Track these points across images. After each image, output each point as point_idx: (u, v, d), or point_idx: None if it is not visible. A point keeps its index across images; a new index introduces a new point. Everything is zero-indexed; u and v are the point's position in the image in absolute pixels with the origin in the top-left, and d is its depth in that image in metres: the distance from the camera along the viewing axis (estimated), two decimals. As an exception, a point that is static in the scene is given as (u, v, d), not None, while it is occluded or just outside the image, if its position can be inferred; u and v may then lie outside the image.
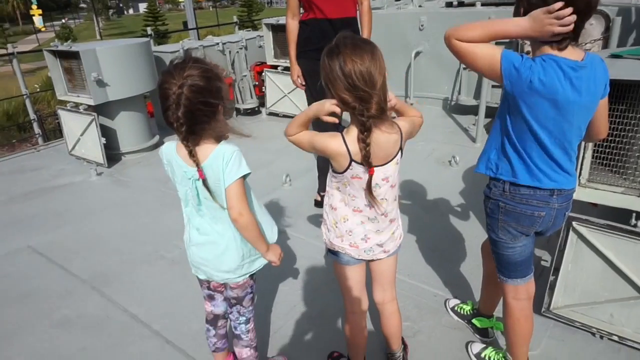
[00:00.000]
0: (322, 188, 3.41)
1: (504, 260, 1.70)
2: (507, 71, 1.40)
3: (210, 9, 64.66)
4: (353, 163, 1.50)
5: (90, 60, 4.41)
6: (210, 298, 1.82)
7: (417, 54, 5.52)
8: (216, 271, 1.66)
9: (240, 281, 1.69)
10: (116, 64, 4.56)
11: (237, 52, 6.00)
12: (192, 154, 1.47)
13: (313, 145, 1.55)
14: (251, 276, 1.73)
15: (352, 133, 1.46)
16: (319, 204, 3.41)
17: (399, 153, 1.53)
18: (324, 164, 3.32)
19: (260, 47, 6.15)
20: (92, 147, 4.73)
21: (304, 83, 3.27)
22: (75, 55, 4.47)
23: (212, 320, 1.86)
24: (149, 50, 4.95)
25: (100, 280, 2.75)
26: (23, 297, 2.66)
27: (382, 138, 1.47)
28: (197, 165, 1.48)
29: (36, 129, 5.77)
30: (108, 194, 4.12)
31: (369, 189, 1.51)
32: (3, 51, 4.34)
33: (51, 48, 4.69)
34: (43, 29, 51.04)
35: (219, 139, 1.52)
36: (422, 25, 5.47)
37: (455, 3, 5.67)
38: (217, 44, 5.82)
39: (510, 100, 1.46)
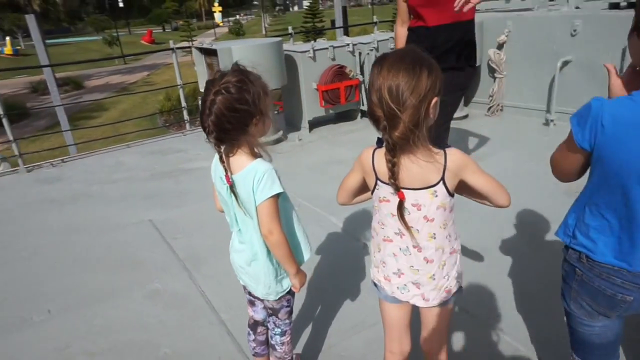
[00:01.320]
0: None
1: (577, 337, 1.39)
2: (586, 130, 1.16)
3: (369, 6, 65.76)
4: (379, 182, 1.40)
5: (226, 57, 4.84)
6: (251, 303, 1.85)
7: (565, 63, 4.85)
8: (252, 281, 1.68)
9: (272, 298, 1.68)
10: (248, 61, 4.89)
11: (368, 53, 5.98)
12: (221, 159, 1.50)
13: (349, 185, 1.50)
14: (288, 291, 1.71)
15: (383, 150, 1.33)
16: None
17: (441, 186, 1.35)
18: None
19: (392, 49, 6.05)
20: (222, 136, 5.20)
21: None
22: (215, 53, 4.95)
23: (252, 325, 1.89)
24: (279, 49, 5.23)
25: (193, 261, 3.02)
26: (130, 264, 3.05)
27: (415, 165, 1.32)
28: (226, 170, 1.50)
29: (185, 115, 6.56)
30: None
31: (399, 211, 1.36)
32: (184, 44, 5.11)
33: (198, 45, 5.26)
34: (221, 24, 57.72)
35: (254, 154, 1.51)
36: (574, 31, 4.77)
37: (623, 3, 4.81)
38: (348, 44, 5.88)
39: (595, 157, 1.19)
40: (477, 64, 5.62)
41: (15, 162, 5.28)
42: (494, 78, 5.67)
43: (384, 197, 1.40)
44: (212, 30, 48.38)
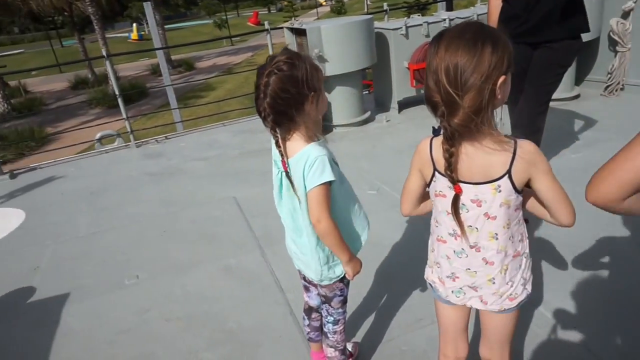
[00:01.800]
0: None
1: None
2: None
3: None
4: (437, 174, 1.26)
5: (315, 37, 4.81)
6: (306, 289, 1.83)
7: None
8: (304, 267, 1.65)
9: (325, 283, 1.64)
10: (337, 41, 4.84)
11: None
12: (277, 144, 1.47)
13: (411, 189, 1.38)
14: (342, 279, 1.65)
15: (441, 138, 1.20)
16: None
17: (506, 180, 1.17)
18: None
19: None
20: (308, 116, 5.24)
21: None
22: (305, 33, 4.95)
23: (307, 310, 1.88)
24: (370, 27, 5.07)
25: (267, 239, 3.09)
26: (212, 238, 3.22)
27: (478, 154, 1.16)
28: (282, 156, 1.47)
29: (276, 95, 6.70)
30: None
31: (454, 206, 1.22)
32: (286, 25, 5.29)
33: (288, 26, 5.30)
34: (324, 3, 57.96)
35: (310, 137, 1.46)
36: None
37: None
38: (444, 20, 5.50)
39: None
40: (595, 36, 4.94)
41: (128, 138, 5.85)
42: (615, 52, 4.95)
43: (440, 191, 1.27)
44: (314, 10, 48.89)
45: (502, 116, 1.29)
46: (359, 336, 2.17)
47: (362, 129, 5.30)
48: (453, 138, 1.14)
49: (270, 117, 1.39)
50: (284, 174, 1.52)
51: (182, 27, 47.31)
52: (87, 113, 16.38)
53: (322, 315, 1.83)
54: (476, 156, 1.17)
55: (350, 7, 44.44)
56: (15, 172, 5.24)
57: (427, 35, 5.45)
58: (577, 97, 5.15)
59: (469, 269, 1.31)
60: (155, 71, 22.06)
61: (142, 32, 37.87)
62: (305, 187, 1.45)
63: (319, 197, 1.43)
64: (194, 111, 13.57)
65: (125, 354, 2.26)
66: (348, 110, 5.32)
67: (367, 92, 6.84)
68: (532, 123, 2.74)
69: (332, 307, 1.73)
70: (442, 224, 1.32)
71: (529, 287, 1.36)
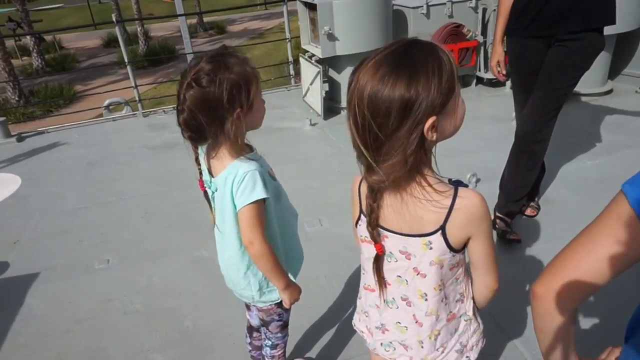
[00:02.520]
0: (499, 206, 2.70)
1: None
2: None
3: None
4: (362, 217, 1.08)
5: (326, 13, 4.53)
6: (247, 307, 1.71)
7: None
8: (237, 288, 1.52)
9: (260, 306, 1.51)
10: (349, 18, 4.54)
11: (494, 10, 5.13)
12: (196, 160, 1.35)
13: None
14: (279, 304, 1.51)
15: None
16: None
17: (438, 237, 0.98)
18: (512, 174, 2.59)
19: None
20: (316, 97, 5.01)
21: (504, 72, 2.54)
22: (316, 8, 4.66)
23: (249, 328, 1.77)
24: (386, 4, 4.73)
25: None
26: (190, 225, 3.10)
27: (407, 204, 0.97)
28: (200, 174, 1.35)
29: (290, 70, 6.47)
30: (308, 147, 4.33)
31: (375, 263, 1.06)
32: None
33: (302, -1, 5.01)
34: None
35: (237, 152, 1.29)
36: None
37: None
38: (471, 0, 5.09)
39: None
40: (636, 26, 4.46)
41: (137, 107, 5.78)
42: (657, 46, 4.47)
43: (365, 236, 1.08)
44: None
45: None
46: (314, 351, 2.05)
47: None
48: (376, 193, 0.97)
49: (187, 133, 1.25)
50: (208, 192, 1.37)
51: (219, -12, 46.64)
52: (116, 73, 16.48)
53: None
54: (405, 206, 0.98)
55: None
56: (23, 135, 5.27)
57: (451, 16, 5.07)
58: (609, 92, 4.71)
59: (399, 322, 1.14)
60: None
61: (179, -9, 37.53)
62: (234, 207, 1.30)
63: (250, 218, 1.29)
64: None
65: (79, 345, 2.22)
66: (359, 92, 5.06)
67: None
68: (537, 132, 2.45)
69: (270, 331, 1.61)
70: (368, 271, 1.14)
71: (471, 355, 1.17)
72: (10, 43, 17.00)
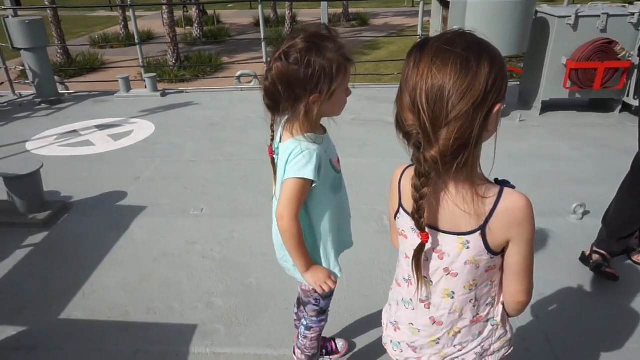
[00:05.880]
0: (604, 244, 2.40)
1: None
2: None
3: None
4: (401, 210, 1.07)
5: (458, 12, 4.38)
6: (299, 281, 1.78)
7: None
8: (279, 255, 1.58)
9: (300, 282, 1.56)
10: (482, 20, 4.33)
11: (660, 29, 4.48)
12: (271, 127, 1.38)
13: (392, 220, 1.15)
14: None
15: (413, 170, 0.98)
16: (585, 259, 2.45)
17: (477, 237, 0.96)
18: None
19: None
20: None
21: None
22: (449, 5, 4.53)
23: (298, 300, 1.80)
24: (528, 10, 4.41)
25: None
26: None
27: (451, 198, 0.96)
28: (272, 140, 1.39)
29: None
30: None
31: (416, 258, 1.01)
32: None
33: (438, -5, 4.90)
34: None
35: (307, 130, 1.31)
36: None
37: None
38: (632, 14, 4.49)
39: None
40: None
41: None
42: None
43: (403, 230, 1.08)
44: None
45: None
46: (356, 333, 2.08)
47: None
48: (427, 176, 0.91)
49: (265, 100, 1.32)
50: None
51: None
52: (260, 50, 17.77)
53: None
54: (447, 200, 0.96)
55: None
56: (166, 91, 6.01)
57: (604, 30, 4.54)
58: None
59: (412, 324, 1.13)
60: (331, 21, 22.63)
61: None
62: (283, 174, 1.35)
63: (290, 191, 1.31)
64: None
65: (159, 274, 2.53)
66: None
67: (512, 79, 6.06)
68: None
69: (306, 312, 1.66)
70: (400, 266, 1.14)
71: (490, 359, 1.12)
72: (179, 14, 19.27)
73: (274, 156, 1.42)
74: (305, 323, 1.68)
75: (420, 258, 1.01)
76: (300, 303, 1.79)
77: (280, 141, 1.39)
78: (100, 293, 2.39)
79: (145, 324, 2.19)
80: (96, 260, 2.63)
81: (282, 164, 1.34)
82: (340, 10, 22.95)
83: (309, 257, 1.43)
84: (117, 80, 5.85)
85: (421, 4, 5.97)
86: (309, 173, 1.29)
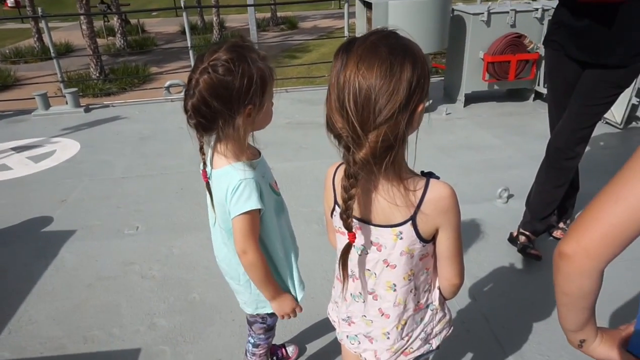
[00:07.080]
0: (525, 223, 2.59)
1: None
2: None
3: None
4: (337, 207, 1.09)
5: (381, 13, 4.52)
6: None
7: None
8: (232, 281, 1.54)
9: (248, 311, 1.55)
10: (404, 19, 4.50)
11: (562, 22, 4.87)
12: (201, 149, 1.29)
13: (327, 219, 1.17)
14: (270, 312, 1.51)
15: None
16: (513, 240, 2.63)
17: (408, 227, 1.00)
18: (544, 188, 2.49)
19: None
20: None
21: None
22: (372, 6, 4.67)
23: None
24: (444, 8, 4.64)
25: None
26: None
27: (381, 194, 0.99)
28: (204, 164, 1.32)
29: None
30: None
31: (343, 257, 1.03)
32: None
33: (361, -2, 5.03)
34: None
35: (237, 155, 1.26)
36: None
37: None
38: (536, 10, 4.86)
39: None
40: None
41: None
42: None
43: (339, 227, 1.09)
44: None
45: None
46: (306, 338, 2.09)
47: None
48: (356, 177, 0.93)
49: (192, 120, 1.21)
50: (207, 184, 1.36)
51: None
52: (189, 58, 17.33)
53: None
54: (379, 196, 0.99)
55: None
56: (90, 106, 5.71)
57: (513, 25, 4.88)
58: (680, 120, 4.34)
59: (364, 316, 1.16)
60: (260, 26, 22.54)
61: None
62: (229, 213, 1.28)
63: (242, 227, 1.27)
64: (282, 71, 13.74)
65: (96, 299, 2.40)
66: (408, 95, 5.01)
67: (436, 74, 6.32)
68: (569, 148, 2.33)
69: (253, 331, 1.64)
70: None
71: (433, 343, 1.18)
72: (98, 24, 18.34)
73: (209, 180, 1.35)
74: (252, 341, 1.66)
75: (347, 257, 1.04)
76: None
77: (212, 165, 1.32)
78: (29, 328, 2.23)
79: (83, 354, 2.07)
80: (23, 292, 2.45)
81: (221, 194, 1.28)
82: (268, 15, 22.90)
83: (276, 285, 1.40)
84: (34, 98, 5.49)
85: (346, 5, 6.10)
86: (254, 203, 1.25)
